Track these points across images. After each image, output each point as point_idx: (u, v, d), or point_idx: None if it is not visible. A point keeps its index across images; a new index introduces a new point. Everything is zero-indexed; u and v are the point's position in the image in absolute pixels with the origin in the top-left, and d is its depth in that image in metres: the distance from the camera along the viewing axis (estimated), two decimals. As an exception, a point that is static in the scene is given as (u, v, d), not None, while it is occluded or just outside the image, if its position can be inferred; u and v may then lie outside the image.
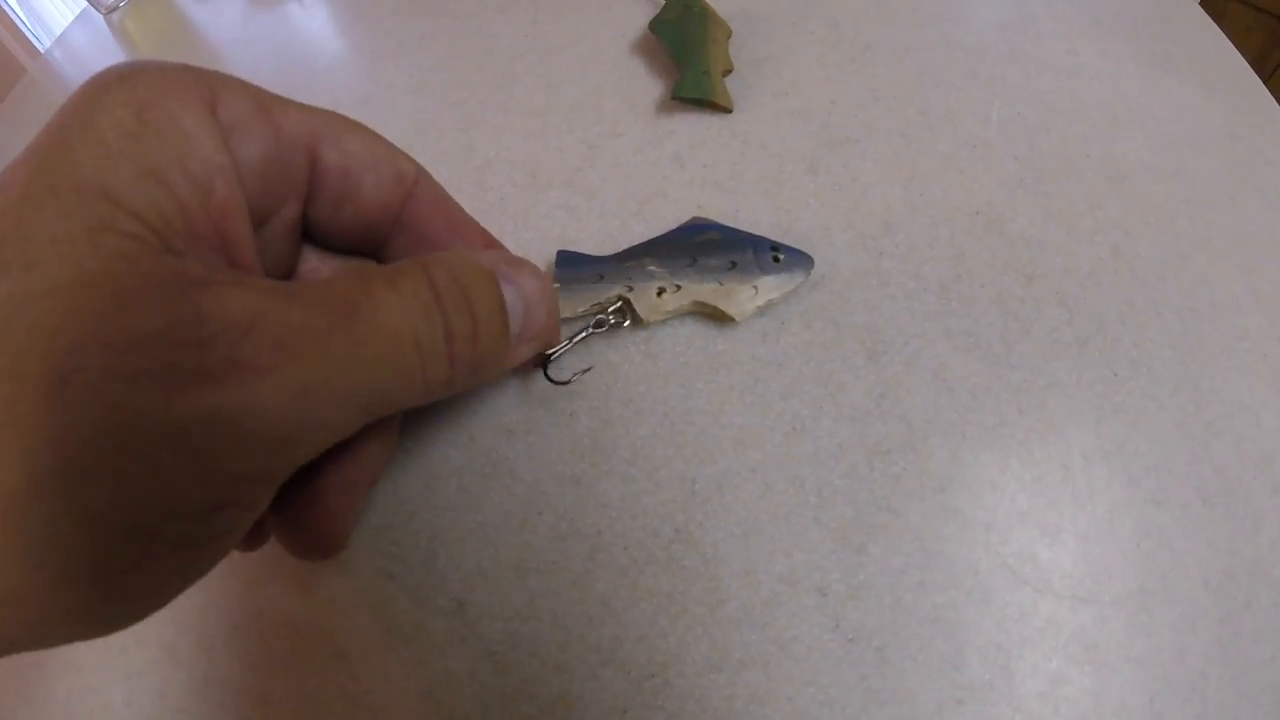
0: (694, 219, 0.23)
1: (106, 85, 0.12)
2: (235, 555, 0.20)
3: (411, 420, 0.21)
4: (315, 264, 0.18)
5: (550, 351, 0.20)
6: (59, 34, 0.45)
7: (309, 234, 0.17)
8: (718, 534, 0.19)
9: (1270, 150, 0.26)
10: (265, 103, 0.14)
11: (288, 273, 0.17)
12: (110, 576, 0.11)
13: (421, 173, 0.17)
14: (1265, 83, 0.29)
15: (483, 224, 0.19)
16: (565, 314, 0.21)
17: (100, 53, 0.41)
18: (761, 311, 0.21)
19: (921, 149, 0.25)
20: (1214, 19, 0.31)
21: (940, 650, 0.18)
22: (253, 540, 0.17)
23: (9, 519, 0.10)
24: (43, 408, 0.10)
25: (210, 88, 0.13)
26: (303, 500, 0.16)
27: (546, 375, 0.20)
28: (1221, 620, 0.18)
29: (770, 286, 0.21)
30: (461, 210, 0.18)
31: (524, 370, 0.21)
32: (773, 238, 0.22)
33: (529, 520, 0.19)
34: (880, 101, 0.26)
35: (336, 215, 0.16)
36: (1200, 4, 0.32)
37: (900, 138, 0.25)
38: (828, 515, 0.19)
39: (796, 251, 0.22)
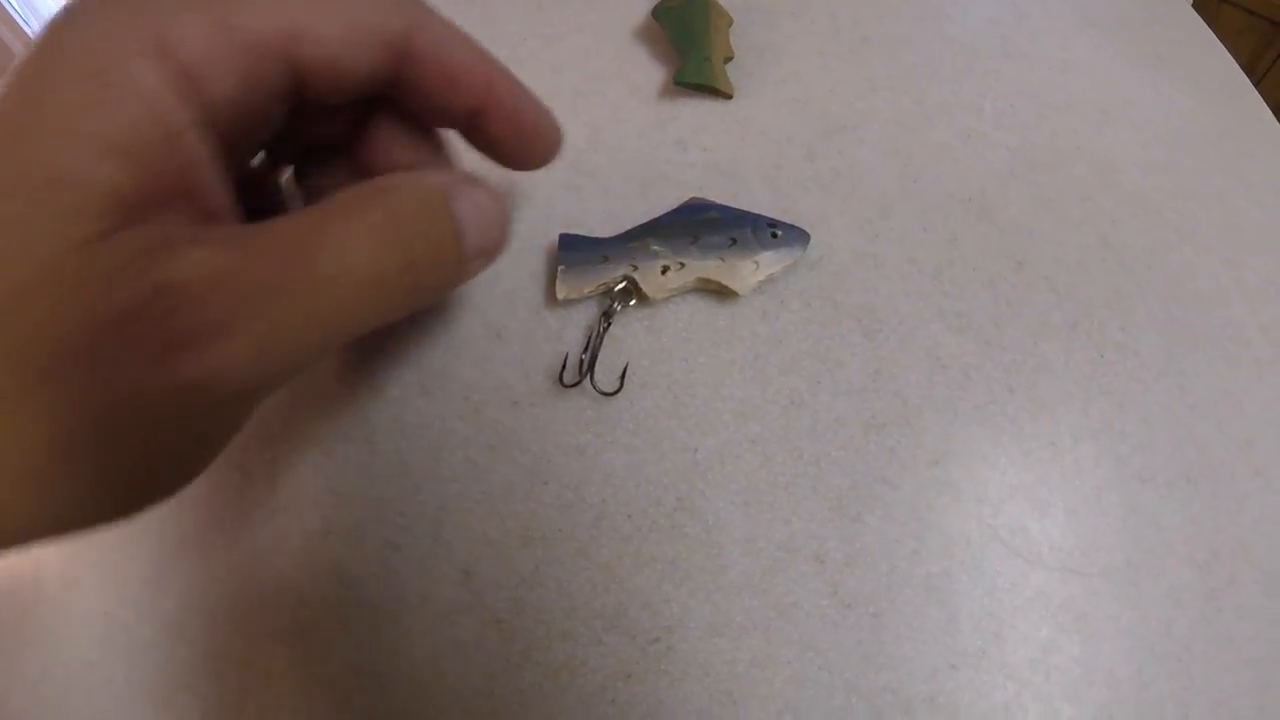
0: (692, 199, 0.23)
1: (59, 48, 0.12)
2: (236, 527, 0.20)
3: (416, 395, 0.21)
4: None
5: (588, 367, 0.20)
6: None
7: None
8: (719, 503, 0.19)
9: (1257, 149, 0.27)
10: (223, 15, 0.13)
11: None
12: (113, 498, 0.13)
13: (419, 23, 0.16)
14: (1258, 85, 0.30)
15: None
16: (573, 296, 0.21)
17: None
18: (762, 286, 0.22)
19: (917, 138, 0.26)
20: (1206, 22, 0.32)
21: (934, 617, 0.18)
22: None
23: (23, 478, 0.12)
24: (43, 397, 0.11)
25: (160, 30, 0.13)
26: None
27: (595, 388, 0.20)
28: (1206, 596, 0.19)
29: (770, 261, 0.21)
30: (468, 51, 0.17)
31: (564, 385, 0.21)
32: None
33: (534, 490, 0.20)
34: (878, 92, 0.27)
35: (328, 96, 0.16)
36: (1193, 6, 0.33)
37: (896, 126, 0.26)
38: (825, 486, 0.19)
39: (793, 227, 0.22)
